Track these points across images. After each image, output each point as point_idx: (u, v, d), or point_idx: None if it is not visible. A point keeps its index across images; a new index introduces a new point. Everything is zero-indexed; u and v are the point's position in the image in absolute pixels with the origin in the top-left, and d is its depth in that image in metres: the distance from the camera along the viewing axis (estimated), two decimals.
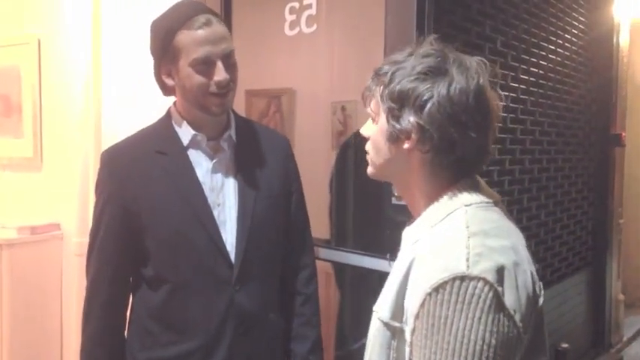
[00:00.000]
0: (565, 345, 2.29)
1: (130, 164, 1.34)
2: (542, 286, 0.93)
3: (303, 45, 2.02)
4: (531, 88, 2.30)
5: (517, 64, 2.19)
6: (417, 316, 0.83)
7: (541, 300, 0.91)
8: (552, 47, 2.46)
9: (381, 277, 0.96)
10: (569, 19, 2.61)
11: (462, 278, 0.80)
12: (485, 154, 0.95)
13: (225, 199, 1.36)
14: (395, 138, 0.93)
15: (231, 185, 1.37)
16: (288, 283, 1.49)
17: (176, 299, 1.33)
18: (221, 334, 1.32)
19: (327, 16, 1.95)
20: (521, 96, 2.23)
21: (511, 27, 2.13)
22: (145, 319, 1.36)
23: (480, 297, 0.79)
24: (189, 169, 1.34)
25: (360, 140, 1.04)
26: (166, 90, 1.38)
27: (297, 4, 2.00)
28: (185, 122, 1.36)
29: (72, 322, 2.47)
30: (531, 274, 0.88)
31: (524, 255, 0.90)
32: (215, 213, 1.33)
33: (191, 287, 1.32)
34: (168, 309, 1.33)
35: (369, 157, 1.01)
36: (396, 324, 0.90)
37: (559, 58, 2.52)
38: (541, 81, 2.38)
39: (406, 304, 0.87)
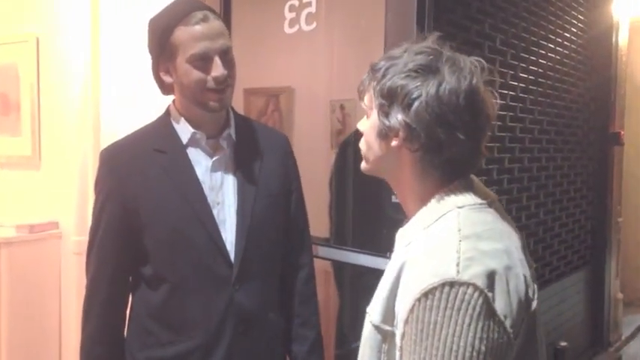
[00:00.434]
0: (564, 343, 2.30)
1: (130, 162, 1.34)
2: (536, 289, 0.91)
3: (303, 43, 2.02)
4: (530, 87, 2.30)
5: (516, 63, 2.18)
6: (406, 321, 0.82)
7: (534, 304, 0.89)
8: (551, 46, 2.46)
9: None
10: (569, 18, 2.61)
11: (452, 284, 0.78)
12: (476, 155, 0.93)
13: (224, 197, 1.36)
14: (384, 135, 0.92)
15: (230, 184, 1.37)
16: (286, 282, 1.48)
17: (175, 298, 1.32)
18: (220, 334, 1.32)
19: (327, 14, 1.95)
20: (521, 94, 2.23)
21: (511, 25, 2.13)
22: (145, 319, 1.36)
23: (469, 303, 0.78)
24: (188, 167, 1.34)
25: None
26: (164, 88, 1.37)
27: (296, 2, 1.99)
28: (184, 120, 1.36)
29: (71, 321, 2.46)
30: (524, 277, 0.87)
31: (518, 258, 0.88)
32: (214, 212, 1.33)
33: (190, 286, 1.32)
34: (167, 308, 1.33)
35: (362, 153, 1.00)
36: (387, 327, 0.89)
37: (558, 57, 2.52)
38: (540, 79, 2.38)
39: (397, 307, 0.86)
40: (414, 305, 0.80)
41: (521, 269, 0.87)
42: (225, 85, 1.30)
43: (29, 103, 2.63)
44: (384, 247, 1.67)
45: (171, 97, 1.41)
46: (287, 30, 2.02)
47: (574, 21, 2.66)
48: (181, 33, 1.27)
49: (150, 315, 1.35)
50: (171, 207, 1.31)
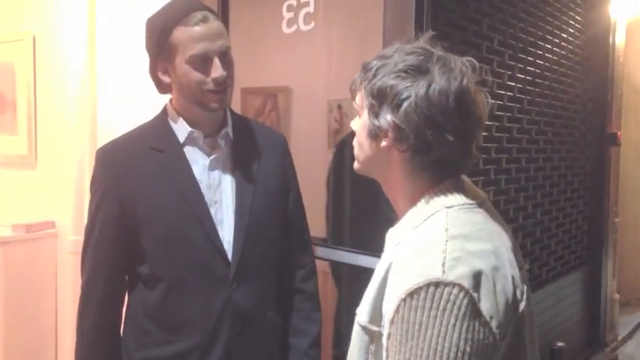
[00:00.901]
0: (560, 344, 2.30)
1: (127, 161, 1.33)
2: (525, 290, 0.90)
3: (301, 43, 2.02)
4: (528, 87, 2.31)
5: (514, 63, 2.19)
6: (392, 322, 0.82)
7: (522, 305, 0.88)
8: (549, 46, 2.46)
9: None
10: (566, 19, 2.62)
11: (437, 284, 0.78)
12: (466, 156, 0.92)
13: (222, 196, 1.35)
14: (374, 135, 0.92)
15: (228, 183, 1.36)
16: (286, 281, 1.48)
17: (172, 297, 1.32)
18: (218, 333, 1.32)
19: (325, 14, 1.95)
20: (518, 95, 2.24)
21: (508, 26, 2.13)
22: (141, 318, 1.35)
23: (454, 303, 0.77)
24: (185, 166, 1.33)
25: None
26: (162, 87, 1.37)
27: (294, 2, 1.99)
28: (181, 119, 1.35)
29: (67, 320, 2.46)
30: (512, 278, 0.86)
31: (507, 259, 0.87)
32: (212, 211, 1.33)
33: (188, 285, 1.31)
34: (164, 307, 1.32)
35: (354, 152, 1.00)
36: (375, 328, 0.88)
37: (556, 57, 2.53)
38: (537, 80, 2.38)
39: (384, 308, 0.86)
40: (399, 305, 0.80)
41: (510, 270, 0.87)
42: (224, 85, 1.30)
43: (25, 101, 2.62)
44: (381, 247, 1.66)
45: (168, 96, 1.40)
46: (285, 30, 2.02)
47: (571, 22, 2.67)
48: (180, 33, 1.26)
49: (146, 314, 1.34)
50: (168, 206, 1.30)
